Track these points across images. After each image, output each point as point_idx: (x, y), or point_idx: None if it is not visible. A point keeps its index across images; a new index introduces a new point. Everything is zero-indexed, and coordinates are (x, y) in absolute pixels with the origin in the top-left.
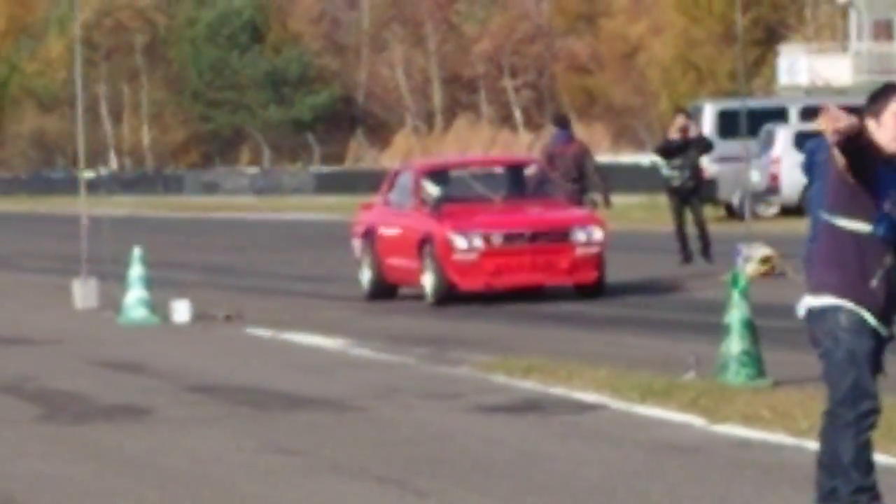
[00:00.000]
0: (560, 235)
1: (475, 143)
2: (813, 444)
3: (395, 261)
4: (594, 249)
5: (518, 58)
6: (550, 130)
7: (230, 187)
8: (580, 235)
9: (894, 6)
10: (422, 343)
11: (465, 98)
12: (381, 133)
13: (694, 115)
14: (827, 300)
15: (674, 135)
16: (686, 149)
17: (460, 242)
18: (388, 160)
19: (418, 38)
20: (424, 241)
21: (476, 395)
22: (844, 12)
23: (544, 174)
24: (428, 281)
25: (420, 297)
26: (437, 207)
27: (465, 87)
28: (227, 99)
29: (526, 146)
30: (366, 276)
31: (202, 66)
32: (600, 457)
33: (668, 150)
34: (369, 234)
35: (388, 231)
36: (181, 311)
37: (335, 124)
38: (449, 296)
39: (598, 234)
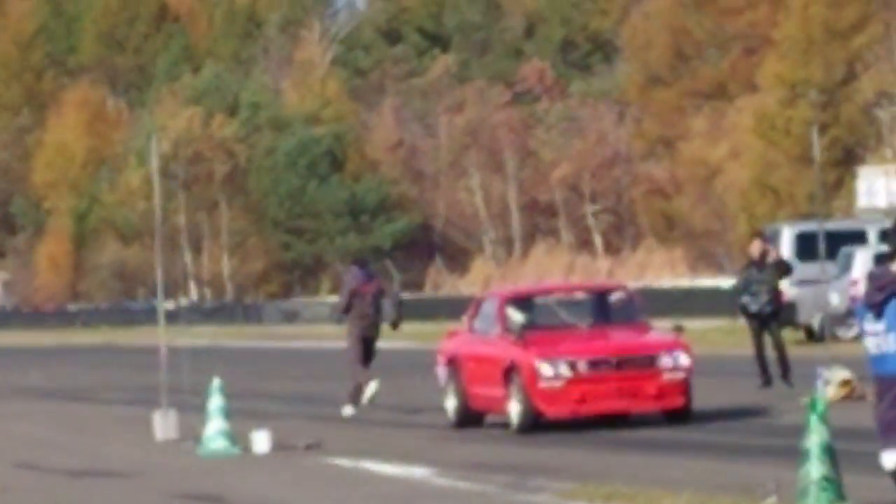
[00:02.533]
0: (646, 361)
1: (554, 269)
2: None
3: (480, 389)
4: (681, 375)
5: (597, 182)
6: (627, 256)
7: (310, 316)
8: (667, 361)
9: None
10: (504, 471)
11: (544, 223)
12: (459, 259)
13: (772, 238)
14: None
15: (754, 257)
16: (764, 272)
17: (546, 370)
18: (467, 287)
19: (496, 164)
20: (510, 369)
21: None
22: None
23: (630, 299)
24: (514, 409)
25: (507, 424)
26: (522, 335)
27: (543, 212)
28: (306, 227)
29: (605, 272)
30: (451, 403)
31: (281, 194)
32: None
33: (748, 275)
34: (454, 362)
35: (473, 358)
36: (261, 441)
37: (414, 251)
38: (535, 423)
39: (684, 360)
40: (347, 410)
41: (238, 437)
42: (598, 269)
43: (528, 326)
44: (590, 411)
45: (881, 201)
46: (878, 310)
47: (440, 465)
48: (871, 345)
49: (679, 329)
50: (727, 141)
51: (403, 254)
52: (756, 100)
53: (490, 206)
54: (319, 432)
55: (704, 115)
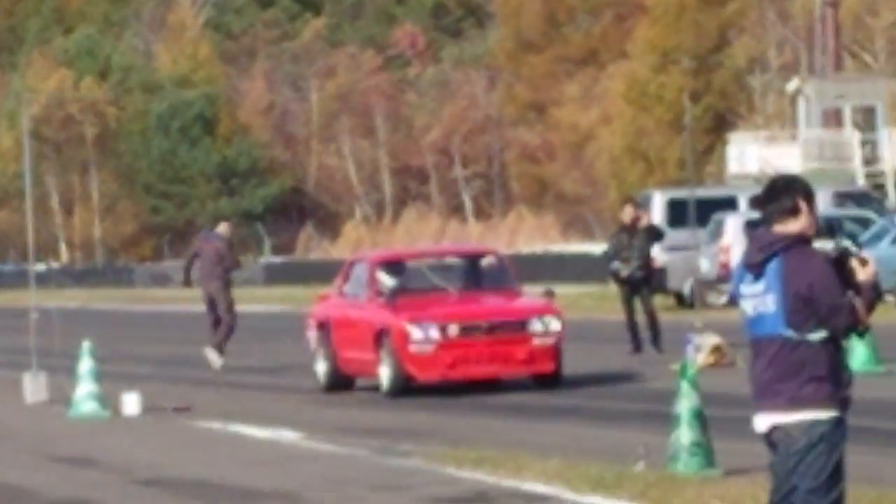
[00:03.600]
0: (517, 326)
1: (425, 233)
2: None
3: (351, 352)
4: (551, 340)
5: (468, 147)
6: (498, 221)
7: (180, 280)
8: (537, 326)
9: (842, 94)
10: (375, 435)
11: (415, 188)
12: (330, 224)
13: (643, 205)
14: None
15: (625, 223)
16: (635, 238)
17: (416, 334)
18: (338, 251)
19: (368, 128)
20: (381, 333)
21: (427, 487)
22: (794, 101)
23: (501, 264)
24: (384, 373)
25: (377, 388)
26: (393, 299)
27: (414, 177)
28: (177, 191)
29: (476, 237)
30: (321, 367)
31: (152, 158)
32: None
33: (619, 241)
34: (325, 326)
35: (343, 322)
36: (131, 404)
37: (285, 215)
38: (405, 388)
39: (555, 325)
40: (212, 356)
41: (108, 400)
42: (469, 235)
43: (399, 291)
44: (460, 376)
45: (752, 168)
46: (757, 270)
47: (310, 429)
48: (748, 306)
49: (550, 294)
50: (599, 107)
51: (274, 218)
52: (628, 66)
53: (361, 171)
54: (189, 395)
55: (577, 82)
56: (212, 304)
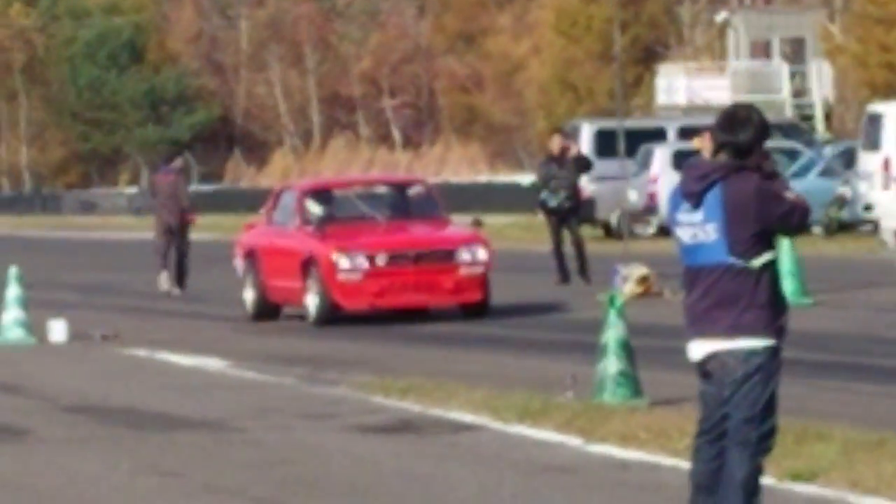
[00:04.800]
0: (445, 255)
1: (353, 163)
2: (688, 464)
3: (278, 281)
4: (479, 269)
5: (397, 77)
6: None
7: (108, 207)
8: (465, 255)
9: (772, 26)
10: (301, 363)
11: (344, 118)
12: (259, 152)
13: (572, 135)
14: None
15: (554, 153)
16: (564, 168)
17: (344, 262)
18: (266, 179)
19: (297, 57)
20: (308, 262)
21: (353, 416)
22: (722, 32)
23: (430, 194)
24: (311, 301)
25: (304, 317)
26: (321, 227)
27: (343, 106)
28: (105, 118)
29: (404, 166)
30: (249, 296)
31: (81, 85)
32: (477, 477)
33: (547, 171)
34: (252, 254)
35: (271, 251)
36: (58, 331)
37: (213, 143)
38: (333, 317)
39: (482, 255)
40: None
41: (35, 327)
42: (398, 164)
43: (327, 219)
44: (388, 304)
45: (680, 99)
46: (696, 199)
47: (236, 357)
48: (686, 235)
49: (478, 224)
50: (529, 38)
51: (203, 146)
52: None
53: (290, 100)
54: (116, 323)
55: (507, 12)
56: (168, 234)
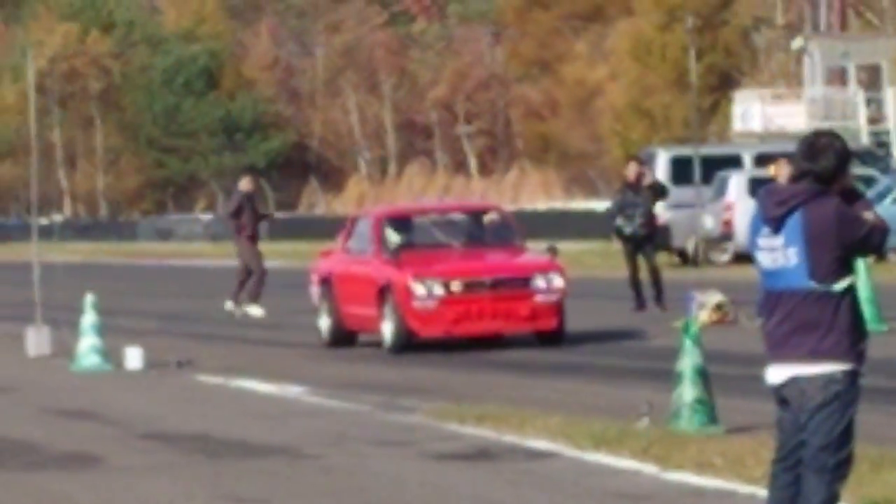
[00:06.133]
0: (520, 282)
1: (429, 190)
2: (764, 492)
3: (354, 308)
4: (554, 297)
5: (472, 104)
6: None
7: (184, 234)
8: (540, 283)
9: (847, 53)
10: (377, 390)
11: (419, 144)
12: (334, 179)
13: (647, 162)
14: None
15: (629, 180)
16: (639, 195)
17: (420, 290)
18: (341, 206)
19: (372, 84)
20: (384, 289)
21: (428, 443)
22: (798, 59)
23: (505, 221)
24: (387, 328)
25: (379, 344)
26: (397, 254)
27: (418, 133)
28: (180, 146)
29: (480, 193)
30: (324, 323)
31: (156, 112)
32: None
33: (623, 198)
34: (328, 281)
35: (347, 278)
36: (134, 358)
37: (289, 170)
38: (408, 344)
39: (558, 282)
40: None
41: (111, 354)
42: (473, 191)
43: (403, 246)
44: (463, 332)
45: (756, 126)
46: (776, 224)
47: (313, 384)
48: (766, 259)
49: (553, 251)
50: (606, 64)
51: (278, 173)
52: (633, 24)
53: (365, 126)
54: (192, 350)
55: (583, 39)
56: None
